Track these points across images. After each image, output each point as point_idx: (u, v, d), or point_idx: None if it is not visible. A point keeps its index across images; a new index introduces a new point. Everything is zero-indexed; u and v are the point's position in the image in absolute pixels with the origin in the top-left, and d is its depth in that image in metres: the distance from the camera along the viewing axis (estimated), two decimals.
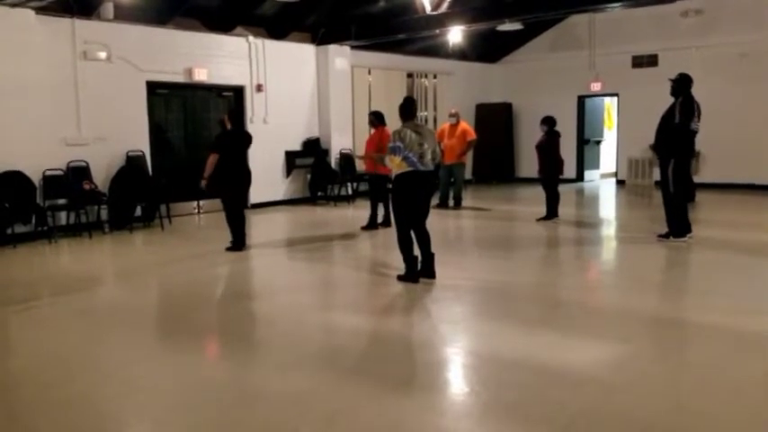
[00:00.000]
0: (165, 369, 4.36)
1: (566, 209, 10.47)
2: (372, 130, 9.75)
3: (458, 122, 11.76)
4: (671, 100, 7.90)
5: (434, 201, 11.85)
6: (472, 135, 11.79)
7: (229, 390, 3.93)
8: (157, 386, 4.07)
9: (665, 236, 8.09)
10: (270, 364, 4.45)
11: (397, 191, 6.19)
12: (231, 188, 7.98)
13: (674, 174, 7.81)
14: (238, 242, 8.05)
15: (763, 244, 8.08)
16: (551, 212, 10.04)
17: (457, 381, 4.15)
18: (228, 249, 8.03)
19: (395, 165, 6.03)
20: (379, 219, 9.61)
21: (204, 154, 8.16)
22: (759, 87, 13.46)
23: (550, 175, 10.02)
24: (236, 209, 8.08)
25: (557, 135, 10.03)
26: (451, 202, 11.88)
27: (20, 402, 3.86)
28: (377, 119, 9.56)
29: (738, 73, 13.63)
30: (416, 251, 6.25)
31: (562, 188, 10.35)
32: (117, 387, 4.03)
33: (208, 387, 4.00)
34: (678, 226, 8.02)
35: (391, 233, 9.48)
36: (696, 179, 12.80)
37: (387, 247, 8.71)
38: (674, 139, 7.76)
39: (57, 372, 4.27)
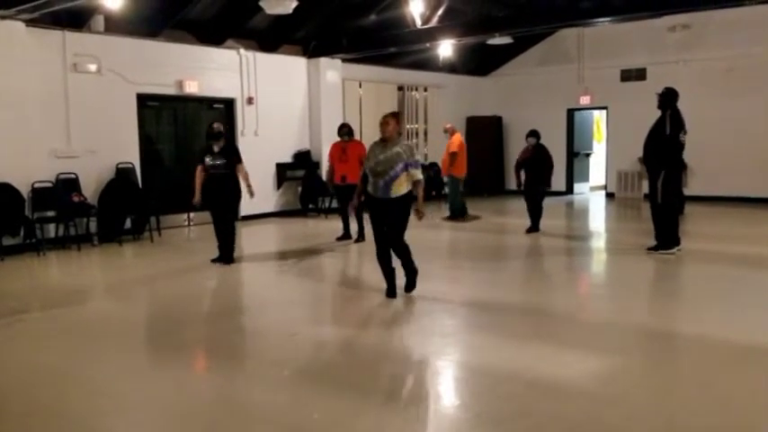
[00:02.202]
0: (154, 384, 4.34)
1: (556, 221, 10.52)
2: (344, 141, 9.68)
3: (451, 136, 11.85)
4: (657, 113, 8.00)
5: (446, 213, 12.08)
6: (453, 147, 11.74)
7: (218, 404, 3.91)
8: (147, 401, 4.04)
9: (654, 248, 8.14)
10: (259, 378, 4.43)
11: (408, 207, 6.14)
12: (207, 201, 7.99)
13: (663, 186, 7.87)
14: (221, 255, 8.03)
15: (751, 256, 8.13)
16: (537, 224, 10.15)
17: (447, 393, 4.14)
18: (213, 261, 8.03)
19: (422, 176, 6.08)
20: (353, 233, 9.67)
21: (194, 166, 8.14)
22: (745, 101, 13.60)
23: (543, 187, 10.13)
24: (215, 221, 8.06)
25: (545, 147, 10.17)
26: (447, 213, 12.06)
27: (8, 417, 3.82)
28: (351, 131, 9.78)
29: (725, 87, 13.78)
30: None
31: (551, 200, 10.42)
32: (107, 402, 4.00)
33: (197, 402, 3.98)
34: (666, 238, 8.07)
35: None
36: (684, 192, 12.89)
37: (376, 261, 8.72)
38: (665, 151, 7.83)
39: (45, 386, 4.23)
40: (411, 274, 6.25)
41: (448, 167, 11.83)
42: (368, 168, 6.07)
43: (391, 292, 6.17)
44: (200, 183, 7.89)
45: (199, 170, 7.89)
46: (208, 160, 7.86)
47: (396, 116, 6.24)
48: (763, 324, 5.33)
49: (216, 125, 8.02)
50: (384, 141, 6.08)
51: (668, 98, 7.93)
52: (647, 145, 8.03)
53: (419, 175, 6.03)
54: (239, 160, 7.97)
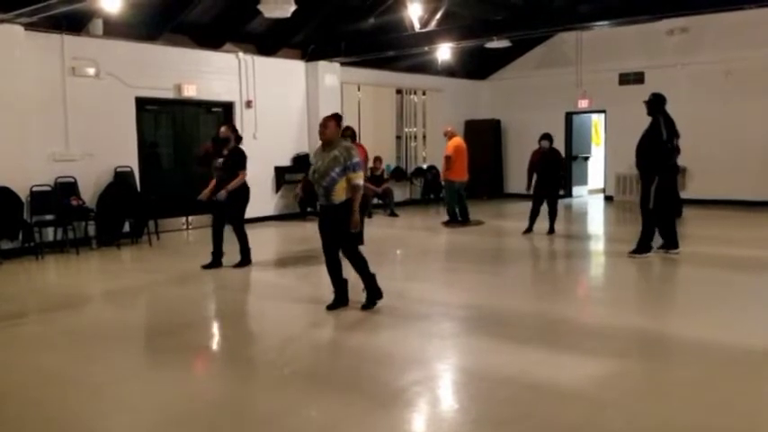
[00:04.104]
0: (153, 387, 4.33)
1: (554, 224, 10.51)
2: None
3: (449, 140, 11.82)
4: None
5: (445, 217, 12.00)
6: (447, 151, 11.66)
7: (217, 407, 3.90)
8: (146, 404, 4.04)
9: (662, 248, 8.12)
10: (259, 380, 4.43)
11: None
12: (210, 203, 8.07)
13: (657, 190, 7.90)
14: (213, 261, 8.03)
15: (748, 259, 8.14)
16: (551, 227, 10.25)
17: (446, 397, 4.14)
18: (204, 267, 7.98)
19: (361, 181, 5.76)
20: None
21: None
22: (743, 104, 13.62)
23: (557, 189, 10.28)
24: (213, 224, 8.14)
25: (558, 151, 10.40)
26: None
27: (6, 420, 3.82)
28: (354, 134, 9.65)
29: (723, 90, 13.80)
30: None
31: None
32: (105, 404, 4.00)
33: (196, 405, 3.97)
34: (644, 240, 8.09)
35: (379, 250, 9.49)
36: (681, 195, 12.91)
37: (375, 264, 8.70)
38: (661, 155, 7.86)
39: (44, 389, 4.23)
40: (369, 289, 5.93)
41: (444, 171, 11.82)
42: (309, 176, 5.90)
43: (335, 303, 5.94)
44: (212, 183, 7.96)
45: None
46: (215, 162, 7.94)
47: (336, 118, 5.84)
48: (762, 327, 5.34)
49: (222, 129, 8.10)
50: (324, 146, 5.80)
51: (657, 103, 7.98)
52: (641, 150, 8.02)
53: (357, 179, 5.67)
54: (238, 167, 7.91)
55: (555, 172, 10.23)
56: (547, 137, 10.33)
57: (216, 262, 8.02)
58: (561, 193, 10.51)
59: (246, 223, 10.84)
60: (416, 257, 9.24)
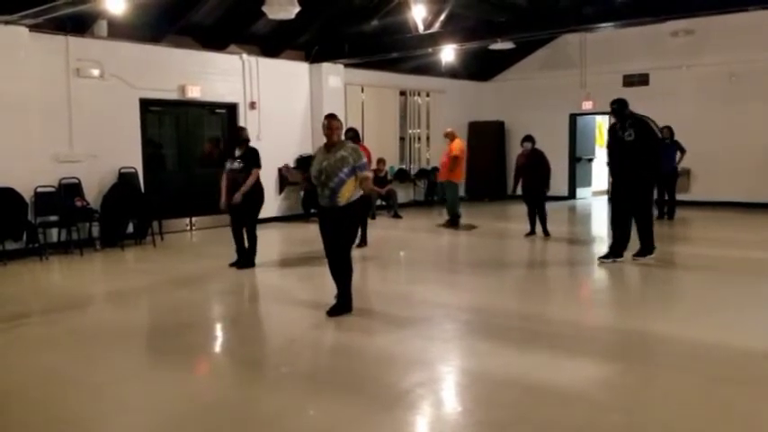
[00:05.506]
0: (153, 387, 4.34)
1: (557, 226, 10.52)
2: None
3: (451, 141, 11.81)
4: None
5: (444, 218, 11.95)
6: (455, 152, 11.58)
7: (218, 408, 3.90)
8: (148, 405, 4.04)
9: (640, 254, 8.09)
10: (260, 382, 4.43)
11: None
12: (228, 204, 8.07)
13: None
14: (238, 259, 8.05)
15: (750, 261, 8.12)
16: (545, 229, 10.18)
17: (449, 399, 4.14)
18: (231, 265, 8.02)
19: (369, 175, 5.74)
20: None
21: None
22: (748, 106, 13.60)
23: (542, 191, 10.20)
24: (232, 225, 8.11)
25: (541, 152, 10.29)
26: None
27: (8, 421, 3.83)
28: (357, 135, 9.61)
29: (728, 92, 13.78)
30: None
31: (553, 205, 10.45)
32: (107, 406, 4.00)
33: (197, 405, 3.97)
34: (648, 244, 8.05)
35: (382, 251, 9.50)
36: (685, 197, 12.92)
37: (377, 266, 8.72)
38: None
39: (46, 390, 4.24)
40: (343, 296, 5.80)
41: (447, 172, 11.77)
42: (312, 177, 5.76)
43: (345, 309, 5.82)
44: (224, 186, 7.94)
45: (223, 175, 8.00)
46: (227, 164, 7.96)
47: (337, 117, 5.78)
48: (763, 329, 5.32)
49: (243, 132, 8.18)
50: (328, 147, 5.70)
51: (624, 108, 7.95)
52: (641, 156, 7.80)
53: (366, 173, 5.68)
54: (255, 164, 7.93)
55: (539, 173, 10.18)
56: (529, 138, 10.30)
57: (244, 260, 8.04)
58: (548, 193, 10.37)
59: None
60: (419, 259, 9.23)
